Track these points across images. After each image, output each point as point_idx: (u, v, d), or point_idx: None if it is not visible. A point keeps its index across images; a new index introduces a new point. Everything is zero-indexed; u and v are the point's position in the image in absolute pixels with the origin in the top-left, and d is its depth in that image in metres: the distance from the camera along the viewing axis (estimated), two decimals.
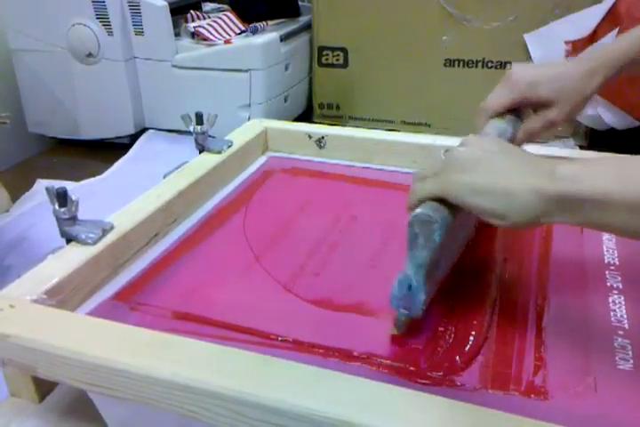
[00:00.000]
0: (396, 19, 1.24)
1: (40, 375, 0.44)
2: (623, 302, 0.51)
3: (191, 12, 1.26)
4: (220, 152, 0.74)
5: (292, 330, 0.48)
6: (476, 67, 1.23)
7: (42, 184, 1.04)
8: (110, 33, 1.14)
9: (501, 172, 0.41)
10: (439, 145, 0.75)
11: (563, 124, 0.57)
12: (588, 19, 1.10)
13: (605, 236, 0.62)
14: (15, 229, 0.90)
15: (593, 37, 1.11)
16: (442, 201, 0.43)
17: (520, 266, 0.57)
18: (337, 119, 1.37)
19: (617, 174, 0.37)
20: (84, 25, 1.15)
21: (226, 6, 1.35)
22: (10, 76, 1.25)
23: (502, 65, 1.21)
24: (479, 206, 0.41)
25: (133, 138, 1.24)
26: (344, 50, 1.30)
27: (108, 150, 1.23)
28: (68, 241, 0.55)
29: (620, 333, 0.48)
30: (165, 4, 1.12)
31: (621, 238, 0.60)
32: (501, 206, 0.40)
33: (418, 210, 0.43)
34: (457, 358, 0.45)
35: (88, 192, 0.95)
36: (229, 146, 0.75)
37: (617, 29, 1.06)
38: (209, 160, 0.72)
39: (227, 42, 1.16)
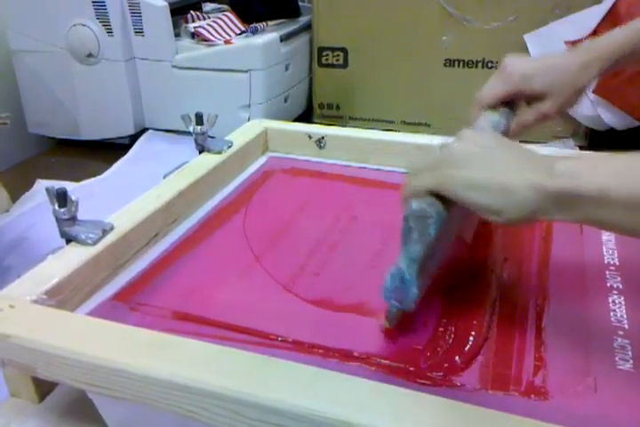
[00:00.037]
0: (396, 19, 1.24)
1: (40, 376, 0.43)
2: (623, 303, 0.51)
3: (191, 12, 1.26)
4: (220, 152, 0.74)
5: (292, 330, 0.48)
6: (476, 67, 1.23)
7: (42, 184, 1.04)
8: (110, 33, 1.14)
9: (498, 167, 0.41)
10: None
11: (556, 117, 0.57)
12: (588, 19, 1.10)
13: (605, 236, 0.62)
14: (15, 229, 0.90)
15: (593, 37, 1.11)
16: (437, 195, 0.43)
17: (520, 266, 0.57)
18: (337, 119, 1.37)
19: (616, 171, 0.37)
20: (84, 25, 1.15)
21: (226, 6, 1.35)
22: (10, 77, 1.25)
23: None
24: (475, 202, 0.41)
25: (133, 138, 1.24)
26: (344, 50, 1.31)
27: (108, 151, 1.23)
28: (68, 241, 0.55)
29: (620, 333, 0.48)
30: (165, 4, 1.12)
31: (621, 239, 0.61)
32: (497, 202, 0.40)
33: (413, 204, 0.43)
34: (457, 358, 0.45)
35: (88, 192, 0.96)
36: (229, 146, 0.75)
37: None
38: (209, 160, 0.72)
39: (227, 42, 1.16)
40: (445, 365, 0.44)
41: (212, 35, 1.18)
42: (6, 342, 0.42)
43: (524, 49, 1.17)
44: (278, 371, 0.39)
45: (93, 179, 1.08)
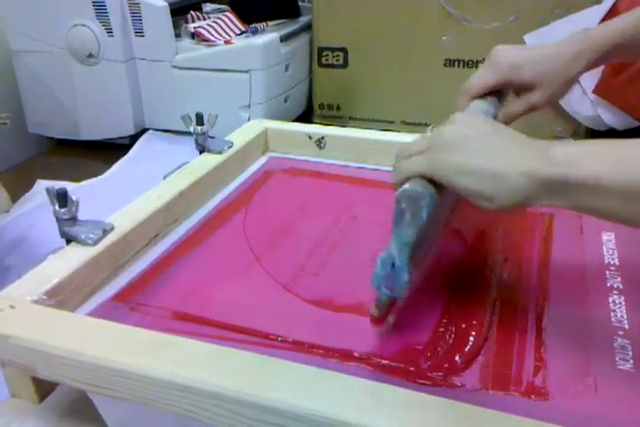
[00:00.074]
0: (396, 19, 1.24)
1: (40, 376, 0.43)
2: (623, 303, 0.51)
3: (191, 12, 1.26)
4: (220, 152, 0.74)
5: (292, 330, 0.48)
6: (476, 67, 1.23)
7: (42, 185, 1.04)
8: (110, 34, 1.14)
9: (490, 152, 0.40)
10: None
11: (544, 107, 0.56)
12: (588, 19, 1.10)
13: (605, 236, 0.62)
14: (15, 229, 0.90)
15: None
16: (428, 180, 0.42)
17: (520, 266, 0.57)
18: (337, 119, 1.37)
19: (610, 159, 0.36)
20: (85, 26, 1.15)
21: (226, 7, 1.35)
22: (10, 77, 1.25)
23: None
24: (466, 187, 0.40)
25: (133, 138, 1.24)
26: (344, 50, 1.31)
27: (109, 151, 1.23)
28: (68, 242, 0.55)
29: (620, 333, 0.48)
30: (165, 4, 1.12)
31: (622, 239, 0.60)
32: (489, 188, 0.39)
33: (406, 185, 0.42)
34: (457, 358, 0.45)
35: (88, 193, 0.96)
36: (230, 146, 0.75)
37: None
38: (209, 160, 0.72)
39: (227, 42, 1.16)
40: (446, 365, 0.44)
41: (212, 35, 1.18)
42: (6, 342, 0.42)
43: None
44: (278, 371, 0.39)
45: (94, 179, 1.08)
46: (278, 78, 1.21)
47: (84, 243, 0.53)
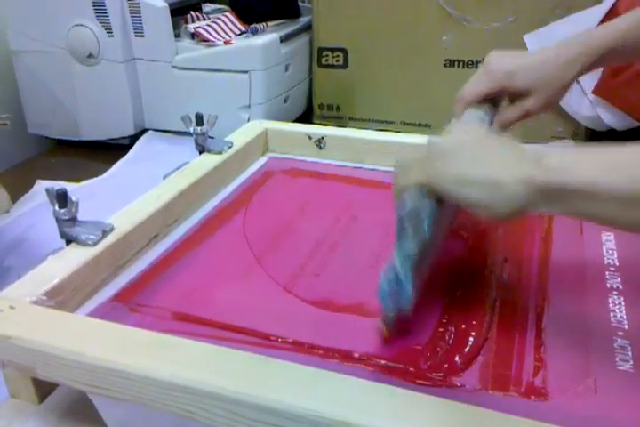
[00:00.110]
0: (396, 19, 1.24)
1: (40, 376, 0.44)
2: (623, 303, 0.51)
3: (191, 12, 1.26)
4: (220, 153, 0.74)
5: (292, 331, 0.48)
6: (476, 67, 1.23)
7: (42, 185, 1.04)
8: (110, 34, 1.14)
9: (487, 162, 0.40)
10: None
11: (539, 113, 0.57)
12: (588, 19, 1.10)
13: (605, 236, 0.62)
14: (15, 229, 0.90)
15: None
16: (427, 190, 0.43)
17: (520, 267, 0.57)
18: (337, 120, 1.37)
19: (604, 164, 0.36)
20: (85, 26, 1.15)
21: (226, 7, 1.35)
22: (10, 77, 1.25)
23: None
24: (465, 197, 0.41)
25: (133, 139, 1.24)
26: (344, 51, 1.30)
27: (108, 151, 1.23)
28: (68, 242, 0.55)
29: (620, 333, 0.48)
30: (165, 5, 1.12)
31: (621, 239, 0.60)
32: (487, 197, 0.40)
33: (407, 203, 0.42)
34: (457, 358, 0.45)
35: (88, 193, 0.95)
36: (230, 147, 0.75)
37: None
38: (209, 161, 0.72)
39: (227, 43, 1.16)
40: (445, 365, 0.44)
41: (211, 35, 1.17)
42: (6, 342, 0.42)
43: (524, 49, 1.17)
44: (277, 371, 0.39)
45: (93, 179, 1.08)
46: (278, 79, 1.21)
47: (83, 243, 0.53)
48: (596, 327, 0.49)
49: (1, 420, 0.46)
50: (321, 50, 1.32)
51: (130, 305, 0.52)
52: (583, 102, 1.15)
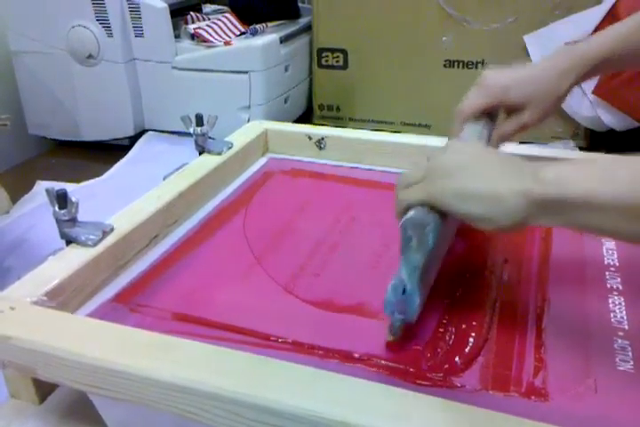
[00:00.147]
0: (396, 20, 1.24)
1: (40, 377, 0.43)
2: (623, 304, 0.51)
3: (191, 13, 1.26)
4: (220, 153, 0.74)
5: (292, 331, 0.48)
6: (476, 68, 1.23)
7: (42, 186, 1.04)
8: (110, 35, 1.14)
9: (486, 176, 0.41)
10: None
11: (536, 125, 0.58)
12: (588, 20, 1.10)
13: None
14: (15, 230, 0.90)
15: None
16: (429, 207, 0.44)
17: (520, 267, 0.57)
18: (337, 120, 1.37)
19: (602, 176, 0.37)
20: (84, 27, 1.15)
21: (226, 8, 1.35)
22: (10, 78, 1.25)
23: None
24: (466, 212, 0.41)
25: (133, 139, 1.25)
26: (344, 51, 1.31)
27: (108, 152, 1.23)
28: (68, 243, 0.55)
29: (620, 334, 0.48)
30: (165, 5, 1.12)
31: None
32: (488, 211, 0.40)
33: (410, 213, 0.43)
34: (457, 359, 0.45)
35: (88, 194, 0.96)
36: (229, 147, 0.75)
37: None
38: (209, 161, 0.72)
39: (226, 43, 1.16)
40: (445, 366, 0.44)
41: (211, 36, 1.18)
42: (6, 343, 0.42)
43: (523, 50, 1.17)
44: (277, 372, 0.39)
45: (93, 180, 1.08)
46: (278, 79, 1.21)
47: (83, 244, 0.53)
48: (596, 328, 0.49)
49: (1, 420, 0.46)
50: (321, 50, 1.32)
51: (130, 306, 0.52)
52: (583, 103, 1.15)
